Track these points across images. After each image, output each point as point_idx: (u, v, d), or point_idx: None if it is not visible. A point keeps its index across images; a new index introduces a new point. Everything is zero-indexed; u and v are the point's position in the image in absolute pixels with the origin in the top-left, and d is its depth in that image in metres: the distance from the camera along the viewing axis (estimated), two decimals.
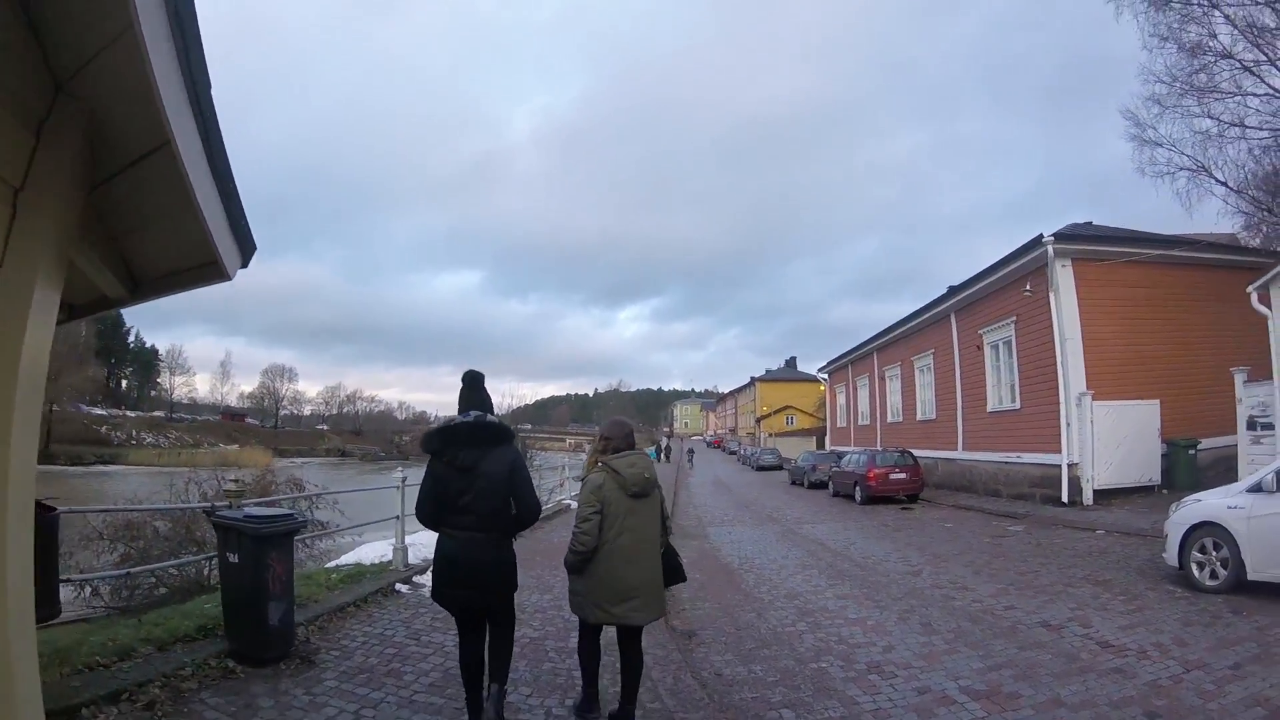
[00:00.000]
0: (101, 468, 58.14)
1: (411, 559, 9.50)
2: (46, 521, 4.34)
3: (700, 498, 26.79)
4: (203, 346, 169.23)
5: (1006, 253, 19.39)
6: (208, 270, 3.96)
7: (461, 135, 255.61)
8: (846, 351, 38.77)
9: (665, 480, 6.22)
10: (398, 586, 8.34)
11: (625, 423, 4.76)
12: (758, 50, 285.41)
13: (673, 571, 4.67)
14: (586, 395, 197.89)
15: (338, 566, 9.31)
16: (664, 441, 73.51)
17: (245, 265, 4.05)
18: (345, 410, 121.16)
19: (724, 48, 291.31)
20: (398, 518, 9.25)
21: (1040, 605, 7.88)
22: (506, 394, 24.95)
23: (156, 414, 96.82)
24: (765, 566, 11.19)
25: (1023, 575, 9.68)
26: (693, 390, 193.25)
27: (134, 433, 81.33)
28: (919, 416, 27.62)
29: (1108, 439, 16.55)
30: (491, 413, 4.43)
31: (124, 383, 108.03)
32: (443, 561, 4.20)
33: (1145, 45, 17.69)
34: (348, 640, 6.34)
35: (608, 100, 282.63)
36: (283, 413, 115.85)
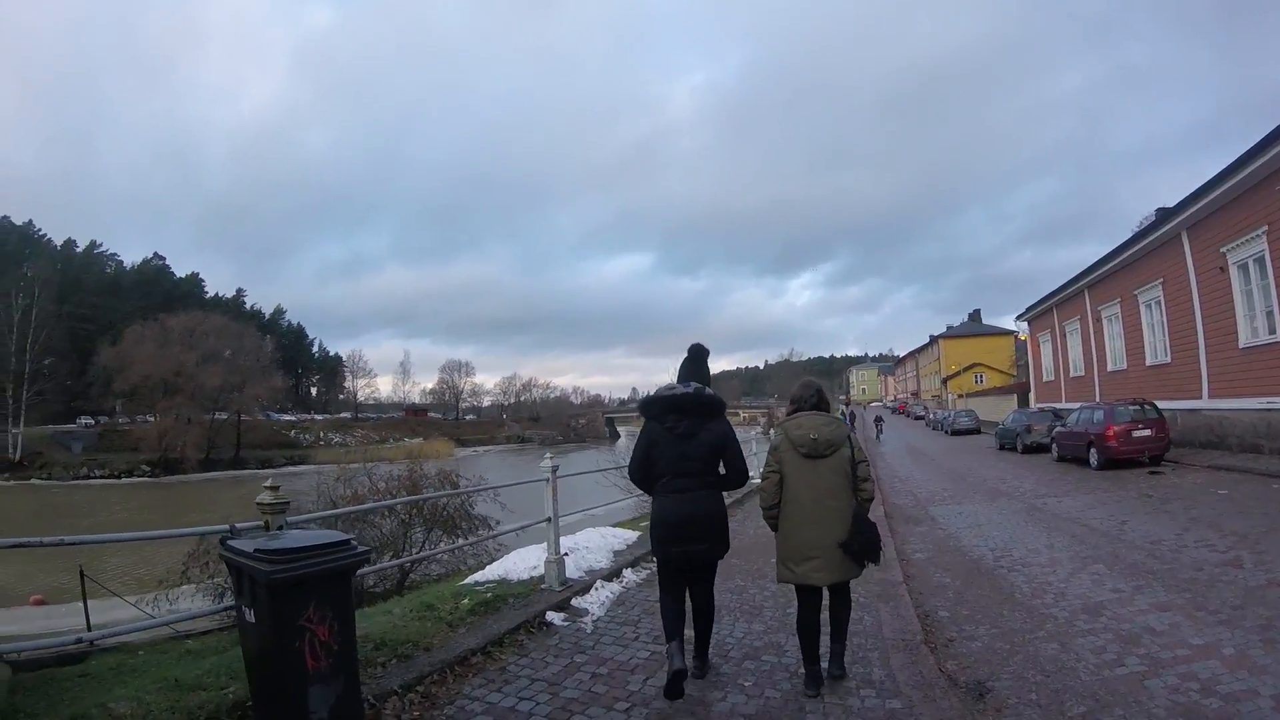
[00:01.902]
0: (290, 469, 59.83)
1: (572, 572, 7.13)
2: None
3: (902, 469, 23.49)
4: (388, 350, 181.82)
5: (1245, 150, 15.48)
6: None
7: (623, 120, 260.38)
8: (1050, 293, 33.93)
9: None
10: (550, 617, 5.87)
11: (811, 382, 4.73)
12: (918, 1, 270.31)
13: (864, 546, 4.33)
14: (757, 368, 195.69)
15: (475, 583, 7.04)
16: (843, 409, 67.86)
17: None
18: (523, 398, 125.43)
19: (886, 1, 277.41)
20: (549, 520, 6.83)
21: None
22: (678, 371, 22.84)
23: (343, 415, 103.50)
24: (1030, 561, 8.52)
25: None
26: (866, 355, 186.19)
27: (321, 434, 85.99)
28: (1148, 361, 23.25)
29: None
30: (709, 385, 4.60)
31: (313, 390, 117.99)
32: (669, 519, 4.32)
33: None
34: None
35: (769, 68, 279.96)
36: (463, 405, 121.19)
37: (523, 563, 7.46)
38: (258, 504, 4.06)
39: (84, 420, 72.70)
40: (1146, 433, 17.26)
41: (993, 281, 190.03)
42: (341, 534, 3.63)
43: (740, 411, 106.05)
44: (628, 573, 7.61)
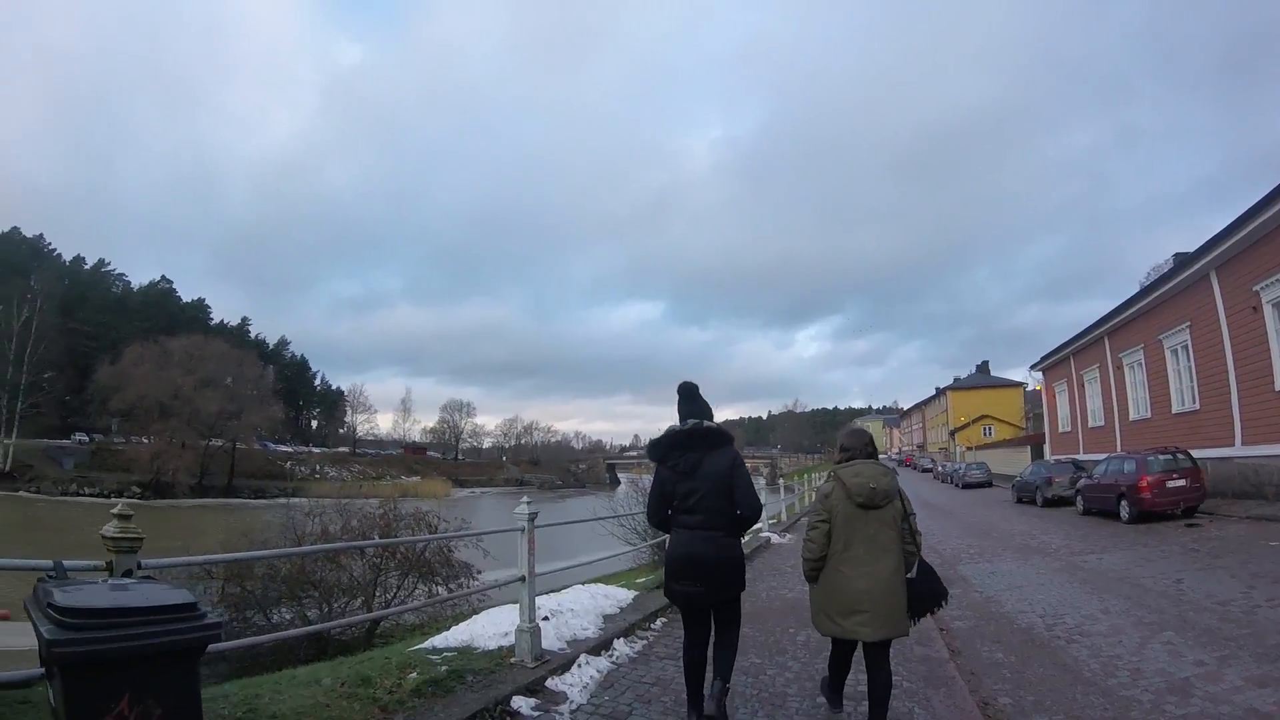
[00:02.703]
0: (284, 500, 57.32)
1: (551, 642, 5.87)
2: None
3: (919, 524, 21.95)
4: (391, 387, 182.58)
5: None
6: None
7: (640, 172, 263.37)
8: (1066, 342, 33.17)
9: None
10: (516, 704, 4.56)
11: (863, 431, 4.71)
12: (928, 61, 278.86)
13: (928, 595, 4.37)
14: (760, 418, 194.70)
15: (433, 649, 5.77)
16: None
17: None
18: (523, 441, 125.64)
19: (896, 62, 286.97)
20: (523, 579, 5.57)
21: None
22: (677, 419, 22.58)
23: (341, 449, 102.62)
24: (1088, 629, 7.54)
25: None
26: (870, 408, 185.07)
27: (318, 467, 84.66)
28: (1174, 408, 22.37)
29: None
30: (710, 419, 4.52)
31: (314, 423, 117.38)
32: (673, 558, 4.35)
33: None
34: None
35: (785, 125, 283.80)
36: (463, 445, 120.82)
37: (493, 626, 6.19)
38: (102, 536, 2.87)
39: (79, 436, 71.52)
40: (1181, 483, 16.51)
41: (999, 336, 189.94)
42: (188, 595, 2.44)
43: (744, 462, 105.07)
44: (619, 644, 6.33)
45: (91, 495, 58.82)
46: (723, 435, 4.47)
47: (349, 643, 11.59)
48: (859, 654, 4.40)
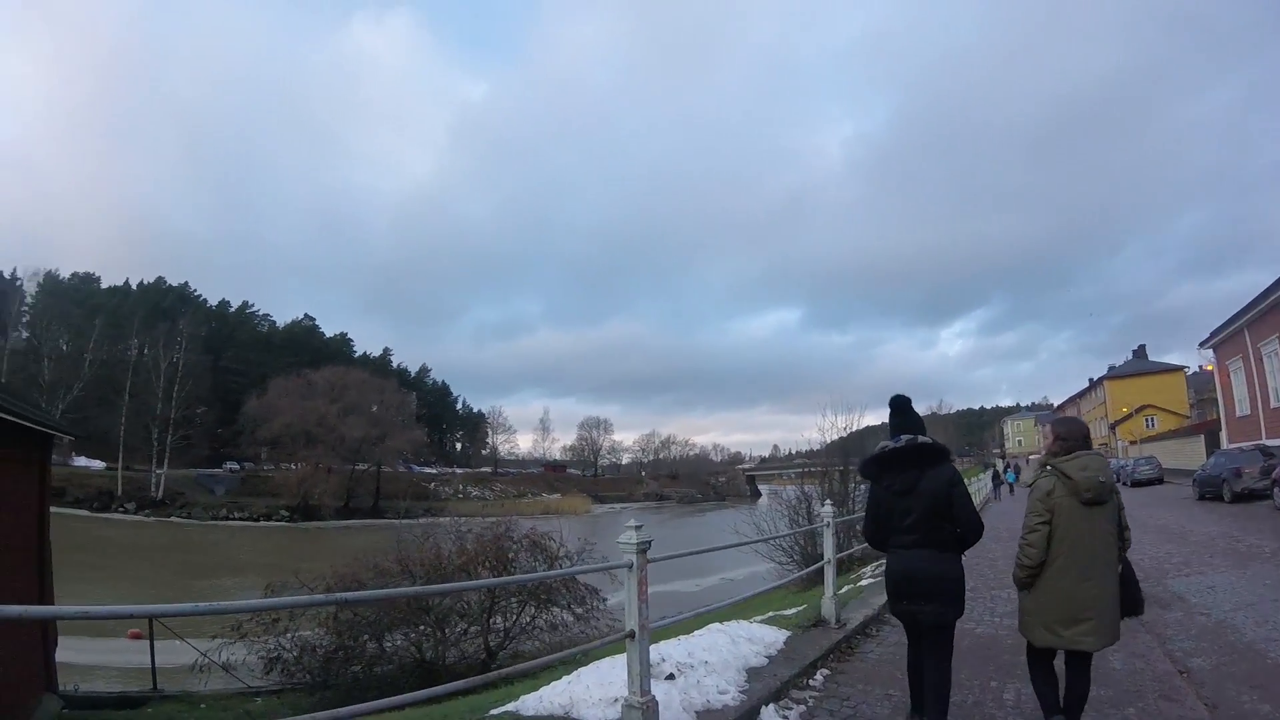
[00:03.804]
0: (428, 519, 58.95)
1: (676, 716, 4.26)
2: None
3: None
4: (534, 409, 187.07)
5: None
6: None
7: (772, 176, 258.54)
8: (1239, 312, 28.99)
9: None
10: None
11: (1080, 420, 4.59)
12: (1052, 32, 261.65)
13: (1131, 601, 4.15)
14: None
15: (514, 718, 4.33)
16: (1000, 465, 58.89)
17: None
18: (661, 456, 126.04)
19: (1020, 37, 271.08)
20: (633, 635, 4.01)
21: None
22: (826, 428, 21.40)
23: (483, 470, 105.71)
24: None
25: None
26: (1019, 405, 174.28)
27: (460, 487, 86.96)
28: None
29: None
30: (923, 433, 4.29)
31: (458, 445, 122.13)
32: (893, 577, 4.25)
33: None
34: None
35: (915, 115, 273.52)
36: (602, 462, 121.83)
37: (601, 687, 4.61)
38: None
39: (230, 465, 75.81)
40: None
41: (1152, 319, 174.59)
42: None
43: None
44: (770, 714, 4.65)
45: (240, 519, 62.11)
46: (940, 451, 4.23)
47: (463, 671, 10.63)
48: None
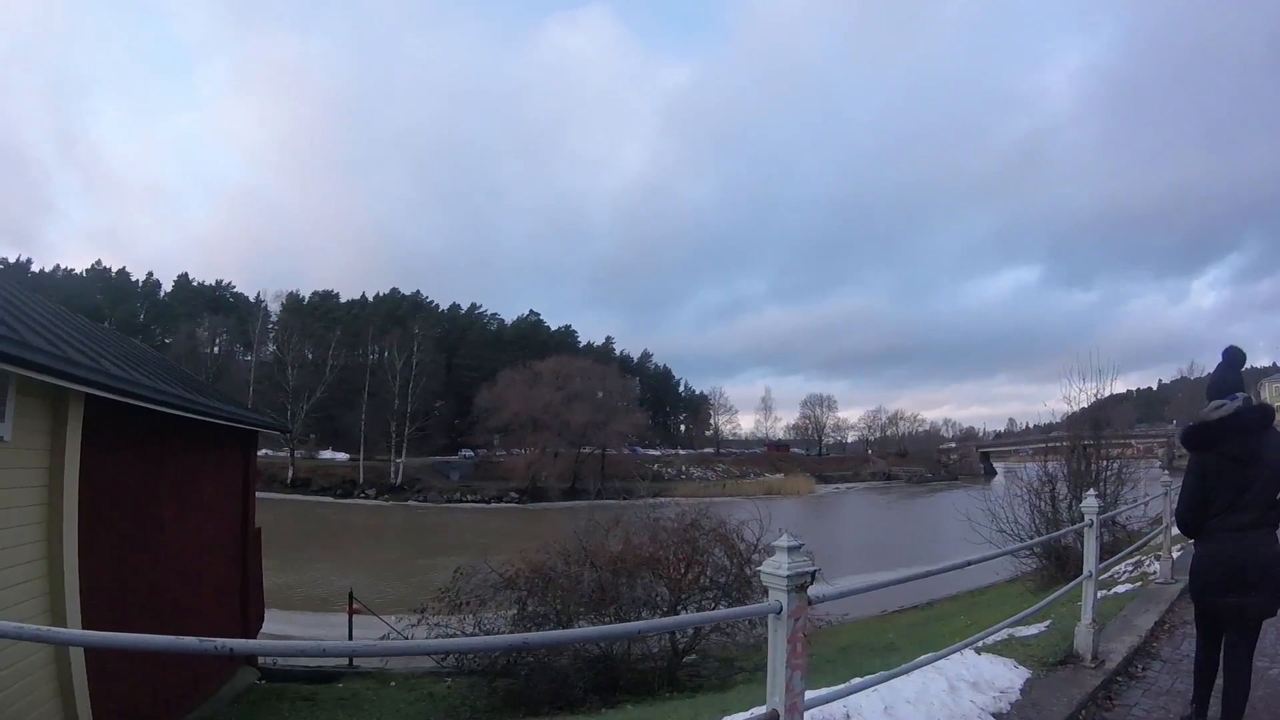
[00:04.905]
0: (650, 500, 60.21)
1: None
2: None
3: None
4: (758, 389, 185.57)
5: None
6: None
7: (998, 123, 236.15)
8: None
9: None
10: None
11: None
12: None
13: None
14: (1149, 389, 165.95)
15: None
16: None
17: None
18: (888, 433, 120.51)
19: None
20: (775, 718, 2.62)
21: None
22: (1072, 396, 17.92)
23: (706, 451, 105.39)
24: None
25: None
26: (1275, 365, 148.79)
27: (683, 468, 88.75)
28: None
29: None
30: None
31: (682, 427, 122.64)
32: (1214, 565, 3.72)
33: None
34: None
35: (1150, 34, 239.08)
36: (826, 440, 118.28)
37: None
38: None
39: (464, 452, 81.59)
40: None
41: None
42: None
43: (1132, 441, 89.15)
44: None
45: (472, 501, 66.76)
46: (1273, 413, 3.72)
47: (647, 674, 10.02)
48: None
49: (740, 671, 10.00)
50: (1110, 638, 5.84)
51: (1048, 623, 6.44)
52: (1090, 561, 5.47)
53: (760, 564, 9.58)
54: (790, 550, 2.66)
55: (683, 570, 10.70)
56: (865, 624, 16.63)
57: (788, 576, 2.63)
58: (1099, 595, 5.86)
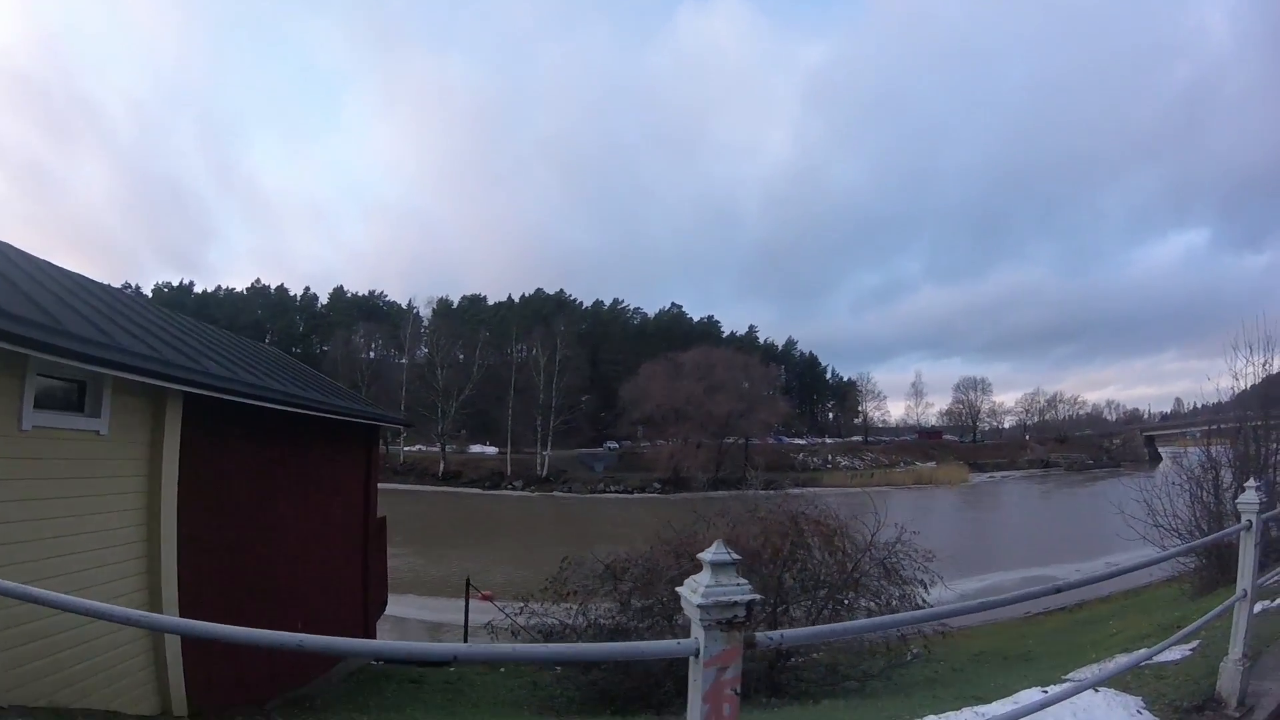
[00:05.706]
0: (796, 490, 58.76)
1: None
2: None
3: None
4: (908, 375, 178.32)
5: None
6: None
7: (1156, 71, 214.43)
8: None
9: None
10: None
11: None
12: None
13: None
14: None
15: None
16: None
17: None
18: (1047, 417, 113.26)
19: None
20: None
21: None
22: (1237, 373, 15.05)
23: (854, 439, 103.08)
24: None
25: None
26: None
27: (830, 457, 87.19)
28: None
29: None
30: None
31: (830, 414, 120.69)
32: None
33: None
34: None
35: None
36: (981, 426, 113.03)
37: None
38: None
39: (609, 445, 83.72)
40: None
41: None
42: None
43: None
44: None
45: (616, 492, 68.43)
46: None
47: (746, 674, 9.26)
48: None
49: (846, 679, 9.51)
50: (1266, 673, 4.61)
51: (1196, 644, 5.49)
52: (1245, 577, 4.26)
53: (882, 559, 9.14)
54: (715, 567, 1.85)
55: (778, 567, 10.03)
56: (1006, 627, 15.74)
57: (704, 606, 1.79)
58: (1262, 609, 4.70)
